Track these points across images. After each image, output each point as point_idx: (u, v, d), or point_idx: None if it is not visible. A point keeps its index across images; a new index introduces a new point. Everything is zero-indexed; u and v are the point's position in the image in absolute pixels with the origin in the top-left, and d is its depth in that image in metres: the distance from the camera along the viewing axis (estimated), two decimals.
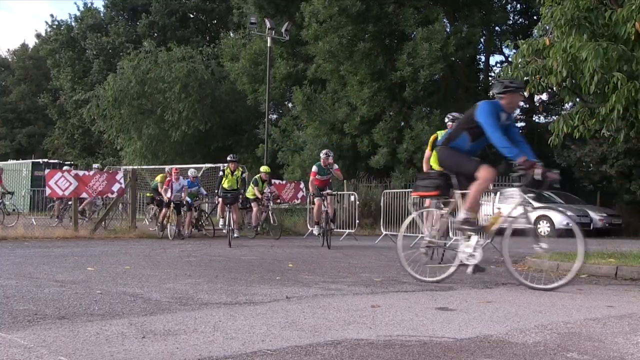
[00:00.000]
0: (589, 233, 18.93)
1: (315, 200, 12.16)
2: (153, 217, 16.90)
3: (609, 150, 20.48)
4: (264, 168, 15.65)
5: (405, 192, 15.37)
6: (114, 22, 37.05)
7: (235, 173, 13.16)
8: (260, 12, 25.14)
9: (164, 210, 14.42)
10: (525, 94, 10.43)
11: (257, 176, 15.30)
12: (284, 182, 19.74)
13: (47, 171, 14.97)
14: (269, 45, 20.66)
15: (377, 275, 6.81)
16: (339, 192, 16.35)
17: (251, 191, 14.99)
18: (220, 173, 13.40)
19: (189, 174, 15.65)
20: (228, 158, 13.08)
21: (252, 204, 15.01)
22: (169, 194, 14.10)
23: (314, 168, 12.22)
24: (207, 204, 17.35)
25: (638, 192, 20.82)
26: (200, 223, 15.65)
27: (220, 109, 29.52)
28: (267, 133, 21.40)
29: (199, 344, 3.32)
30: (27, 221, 15.17)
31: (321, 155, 12.34)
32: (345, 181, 21.09)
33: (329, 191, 12.11)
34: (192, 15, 38.40)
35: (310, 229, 15.14)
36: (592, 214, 19.27)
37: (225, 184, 13.20)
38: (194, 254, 9.71)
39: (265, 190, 14.99)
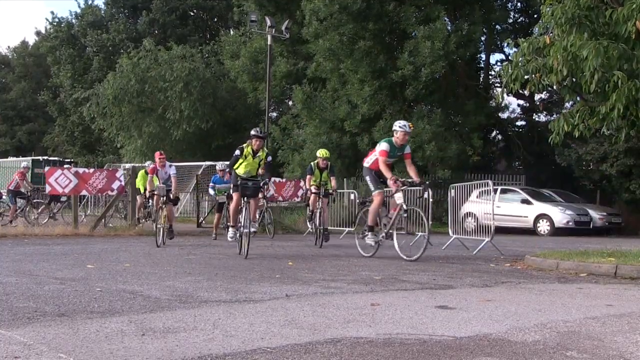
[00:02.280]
0: (589, 232, 18.99)
1: (376, 194, 8.78)
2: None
3: (609, 149, 20.48)
4: (321, 152, 12.08)
5: (405, 190, 15.32)
6: (114, 19, 37.02)
7: (258, 154, 9.20)
8: (260, 10, 25.13)
9: (154, 202, 11.77)
10: (526, 92, 10.42)
11: (312, 162, 12.18)
12: (283, 180, 19.76)
13: (46, 168, 14.97)
14: (269, 43, 20.65)
15: (377, 274, 6.81)
16: (338, 191, 15.14)
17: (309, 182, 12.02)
18: (237, 152, 9.22)
19: (218, 167, 14.22)
20: (252, 132, 9.21)
21: (309, 191, 12.00)
22: (157, 183, 11.63)
23: (384, 145, 8.67)
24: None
25: (638, 191, 20.82)
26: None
27: (221, 107, 29.53)
28: (268, 131, 21.41)
29: (199, 341, 3.32)
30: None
31: (397, 127, 8.70)
32: (345, 179, 21.13)
33: (416, 180, 8.64)
34: (192, 13, 38.37)
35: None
36: (592, 213, 19.29)
37: (242, 169, 9.24)
38: (193, 252, 9.71)
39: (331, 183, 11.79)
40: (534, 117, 28.04)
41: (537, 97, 26.06)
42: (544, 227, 18.80)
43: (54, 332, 3.51)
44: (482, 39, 24.96)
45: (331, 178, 11.85)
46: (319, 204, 11.66)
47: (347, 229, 15.86)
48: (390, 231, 8.68)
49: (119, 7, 38.16)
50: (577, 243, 11.78)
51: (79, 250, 9.54)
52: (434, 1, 22.72)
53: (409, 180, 8.73)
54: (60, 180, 13.60)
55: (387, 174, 8.53)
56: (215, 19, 39.62)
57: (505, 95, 13.24)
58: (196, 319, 3.96)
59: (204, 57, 30.43)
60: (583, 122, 9.16)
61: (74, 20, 38.63)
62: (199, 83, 27.90)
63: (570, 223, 18.53)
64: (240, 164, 9.20)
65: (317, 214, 11.67)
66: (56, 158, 32.92)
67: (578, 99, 9.73)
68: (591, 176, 22.45)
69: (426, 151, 21.42)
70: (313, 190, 11.71)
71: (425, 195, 9.54)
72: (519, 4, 27.45)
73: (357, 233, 9.69)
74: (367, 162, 8.99)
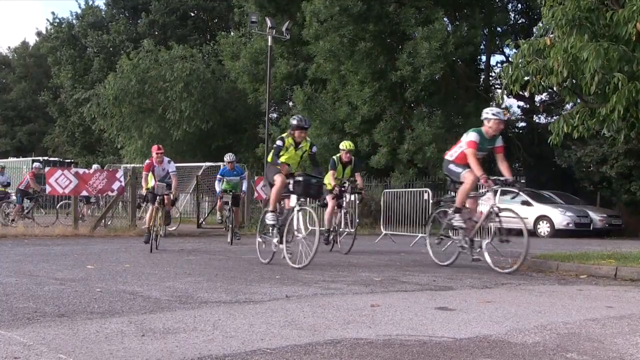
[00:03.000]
0: (589, 233, 18.98)
1: (466, 173, 7.52)
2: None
3: (609, 151, 20.50)
4: (345, 144, 10.55)
5: (405, 191, 15.37)
6: (115, 20, 37.06)
7: (301, 146, 8.12)
8: (261, 11, 25.15)
9: (150, 209, 10.28)
10: (526, 94, 10.37)
11: (334, 156, 10.64)
12: None
13: (47, 169, 14.98)
14: (269, 44, 20.66)
15: (377, 275, 6.80)
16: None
17: (327, 179, 10.06)
18: (279, 142, 8.08)
19: (226, 159, 12.86)
20: (294, 122, 8.04)
21: (327, 198, 9.95)
22: (152, 183, 10.31)
23: (473, 136, 7.56)
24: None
25: (638, 192, 20.83)
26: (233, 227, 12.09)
27: (221, 107, 29.57)
28: (268, 132, 21.41)
29: (199, 342, 3.32)
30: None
31: (490, 114, 7.56)
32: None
33: (509, 178, 7.53)
34: (192, 14, 38.41)
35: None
36: (592, 215, 19.29)
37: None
38: (193, 253, 9.71)
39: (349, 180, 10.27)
40: (534, 119, 28.06)
41: (537, 98, 26.10)
42: (544, 228, 18.79)
43: (53, 332, 3.50)
44: (483, 40, 24.97)
45: (356, 174, 10.47)
46: (338, 214, 10.24)
47: (346, 230, 15.84)
48: (477, 238, 7.66)
49: (120, 8, 38.21)
50: (577, 245, 11.78)
51: (79, 250, 9.53)
52: (434, 3, 22.75)
53: (502, 178, 7.62)
54: (61, 181, 13.61)
55: (477, 170, 7.39)
56: (216, 20, 39.65)
57: (505, 96, 13.24)
58: (196, 319, 3.96)
59: (204, 57, 30.48)
60: (583, 123, 9.17)
61: (74, 21, 38.67)
62: (199, 83, 27.92)
63: (571, 225, 18.52)
64: (280, 157, 8.08)
65: (341, 214, 10.24)
66: (56, 158, 32.94)
67: (578, 100, 9.75)
68: (591, 178, 22.47)
69: (427, 153, 21.44)
70: (335, 192, 10.02)
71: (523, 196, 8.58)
72: (519, 5, 27.48)
73: (429, 237, 8.46)
74: (451, 155, 7.91)
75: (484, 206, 7.62)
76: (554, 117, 20.71)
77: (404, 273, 7.08)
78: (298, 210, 7.50)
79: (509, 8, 26.95)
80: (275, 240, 7.71)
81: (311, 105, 23.64)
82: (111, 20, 37.28)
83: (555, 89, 10.25)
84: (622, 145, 17.79)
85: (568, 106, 14.94)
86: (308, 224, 7.69)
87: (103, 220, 14.90)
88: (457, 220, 7.70)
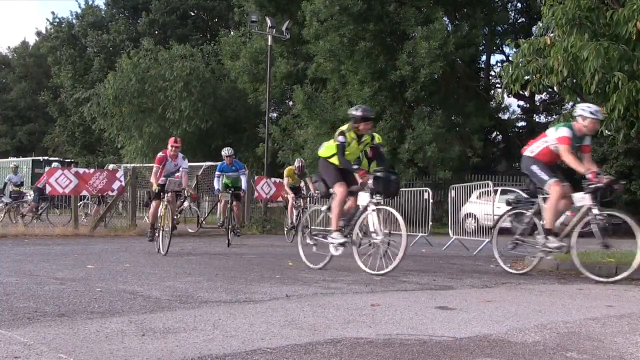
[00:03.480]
0: (589, 233, 18.92)
1: (552, 183, 6.90)
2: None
3: (609, 150, 20.49)
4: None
5: (405, 191, 15.35)
6: (114, 20, 37.09)
7: (363, 139, 7.24)
8: (261, 10, 25.17)
9: (153, 205, 9.46)
10: (526, 93, 10.31)
11: None
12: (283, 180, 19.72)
13: (47, 169, 15.00)
14: (269, 43, 20.67)
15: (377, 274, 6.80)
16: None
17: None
18: (341, 138, 7.04)
19: (224, 153, 11.97)
20: (359, 113, 7.08)
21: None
22: (161, 179, 9.36)
23: (566, 131, 6.80)
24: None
25: (638, 192, 20.81)
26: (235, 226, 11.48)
27: (221, 107, 29.59)
28: (268, 132, 21.41)
29: (199, 342, 3.32)
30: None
31: (587, 112, 6.74)
32: None
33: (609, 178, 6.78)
34: (192, 14, 38.44)
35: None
36: None
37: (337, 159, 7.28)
38: (193, 252, 9.71)
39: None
40: (534, 118, 28.08)
41: (537, 97, 26.12)
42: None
43: (54, 332, 3.51)
44: (483, 39, 25.00)
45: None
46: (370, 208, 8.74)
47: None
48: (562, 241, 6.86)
49: (120, 7, 38.25)
50: (577, 244, 11.73)
51: (79, 250, 9.53)
52: (434, 2, 22.77)
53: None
54: (61, 181, 13.61)
55: (579, 167, 6.71)
56: (216, 20, 39.69)
57: (505, 96, 13.22)
58: (196, 319, 3.96)
59: (204, 57, 30.53)
60: None
61: (74, 21, 38.70)
62: (199, 83, 27.94)
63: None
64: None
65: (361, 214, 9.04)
66: (56, 158, 32.94)
67: (578, 99, 9.74)
68: None
69: (427, 152, 21.46)
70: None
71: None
72: (519, 4, 27.51)
73: (496, 245, 7.58)
74: (531, 151, 7.13)
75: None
76: (554, 117, 20.72)
77: (404, 272, 7.07)
78: (373, 210, 6.75)
79: (509, 7, 26.99)
80: (337, 241, 6.94)
81: (311, 105, 23.65)
82: (111, 19, 37.31)
83: (555, 88, 10.26)
84: (621, 145, 17.78)
85: (568, 105, 14.94)
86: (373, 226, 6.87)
87: (103, 220, 14.89)
88: (552, 242, 6.86)
